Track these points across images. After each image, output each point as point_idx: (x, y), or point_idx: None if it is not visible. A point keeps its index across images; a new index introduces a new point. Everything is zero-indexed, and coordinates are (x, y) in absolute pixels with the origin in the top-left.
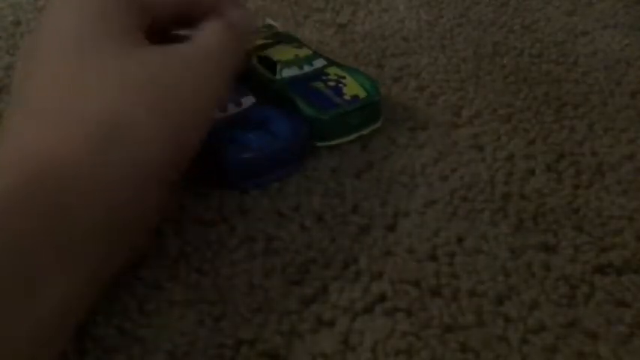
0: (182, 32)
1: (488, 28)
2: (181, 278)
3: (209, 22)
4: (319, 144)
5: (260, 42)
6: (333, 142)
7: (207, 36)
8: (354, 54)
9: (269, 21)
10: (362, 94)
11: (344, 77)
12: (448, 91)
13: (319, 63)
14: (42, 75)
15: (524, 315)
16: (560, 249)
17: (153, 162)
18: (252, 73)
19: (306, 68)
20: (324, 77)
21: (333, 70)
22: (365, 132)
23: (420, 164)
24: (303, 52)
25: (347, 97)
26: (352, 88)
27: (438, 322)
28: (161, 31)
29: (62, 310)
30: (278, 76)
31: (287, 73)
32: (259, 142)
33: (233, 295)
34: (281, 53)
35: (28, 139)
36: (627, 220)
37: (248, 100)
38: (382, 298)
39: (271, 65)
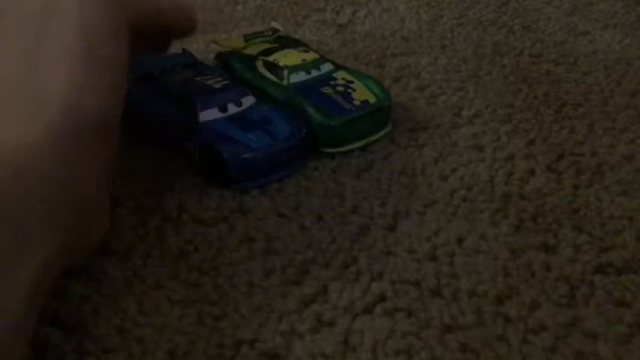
0: None
1: (488, 28)
2: (181, 278)
3: None
4: (328, 150)
5: (265, 46)
6: (342, 149)
7: None
8: (354, 54)
9: (274, 24)
10: (371, 98)
11: (352, 82)
12: (448, 91)
13: (327, 67)
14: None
15: (524, 315)
16: (560, 249)
17: (104, 142)
18: (257, 78)
19: (314, 73)
20: (332, 82)
21: (341, 75)
22: (374, 138)
23: (420, 164)
24: (311, 57)
25: (357, 103)
26: (361, 93)
27: (438, 322)
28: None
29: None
30: (286, 82)
31: (295, 78)
32: (259, 142)
33: (233, 294)
34: (288, 58)
35: None
36: (627, 220)
37: (248, 100)
38: (382, 298)
39: (278, 70)
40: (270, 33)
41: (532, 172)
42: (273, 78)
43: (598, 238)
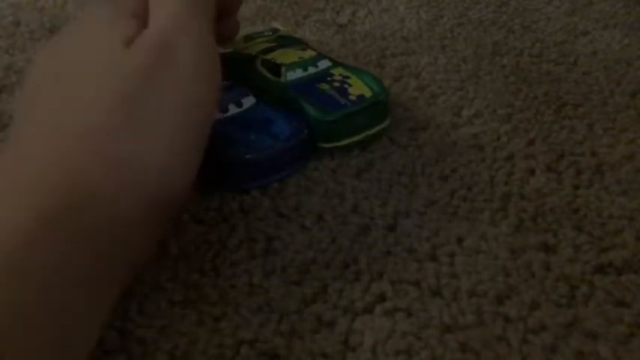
0: None
1: (488, 28)
2: (182, 278)
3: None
4: (326, 146)
5: (264, 45)
6: (340, 144)
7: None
8: (354, 54)
9: (275, 24)
10: (368, 93)
11: (349, 77)
12: (448, 91)
13: (324, 64)
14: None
15: (524, 315)
16: (560, 249)
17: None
18: (256, 77)
19: (311, 70)
20: (329, 78)
21: (338, 71)
22: (372, 132)
23: (420, 164)
24: (308, 54)
25: (352, 98)
26: (358, 87)
27: (438, 322)
28: None
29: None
30: (283, 79)
31: (292, 75)
32: (260, 143)
33: (233, 295)
34: (285, 56)
35: (71, 165)
36: (627, 220)
37: (248, 101)
38: (382, 298)
39: (275, 68)
40: (271, 33)
41: (532, 172)
42: (270, 76)
43: (598, 238)
